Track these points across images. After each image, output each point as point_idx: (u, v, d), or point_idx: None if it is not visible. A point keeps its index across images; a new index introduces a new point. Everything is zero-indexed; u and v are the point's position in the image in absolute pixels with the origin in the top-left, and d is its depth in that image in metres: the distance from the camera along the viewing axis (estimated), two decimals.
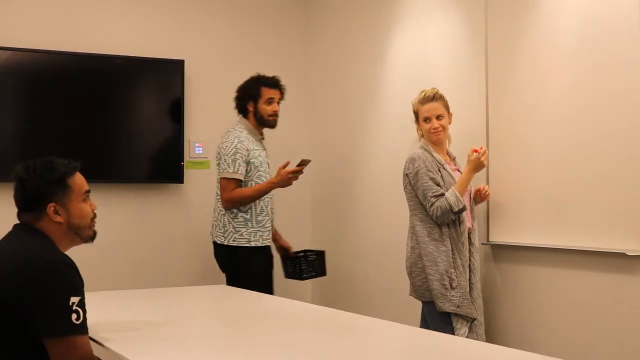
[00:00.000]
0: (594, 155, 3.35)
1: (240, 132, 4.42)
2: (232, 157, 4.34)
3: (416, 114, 3.76)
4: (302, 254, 4.70)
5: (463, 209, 3.57)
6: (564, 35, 3.49)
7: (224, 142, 4.41)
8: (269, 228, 4.47)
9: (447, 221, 3.58)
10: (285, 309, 3.41)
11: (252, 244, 4.38)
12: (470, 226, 3.70)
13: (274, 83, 4.49)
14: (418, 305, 3.78)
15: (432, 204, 3.57)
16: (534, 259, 3.67)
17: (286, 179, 4.30)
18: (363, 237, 4.90)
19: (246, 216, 4.39)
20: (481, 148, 3.66)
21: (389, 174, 4.57)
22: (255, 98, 4.46)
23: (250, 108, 4.47)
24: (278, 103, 4.51)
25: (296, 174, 4.29)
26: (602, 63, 3.32)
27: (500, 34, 3.84)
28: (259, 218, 4.40)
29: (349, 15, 5.07)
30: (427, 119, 3.71)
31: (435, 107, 3.70)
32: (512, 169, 3.72)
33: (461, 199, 3.56)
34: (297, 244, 4.90)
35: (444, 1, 4.23)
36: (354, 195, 4.99)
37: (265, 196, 4.42)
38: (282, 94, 4.54)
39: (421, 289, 3.67)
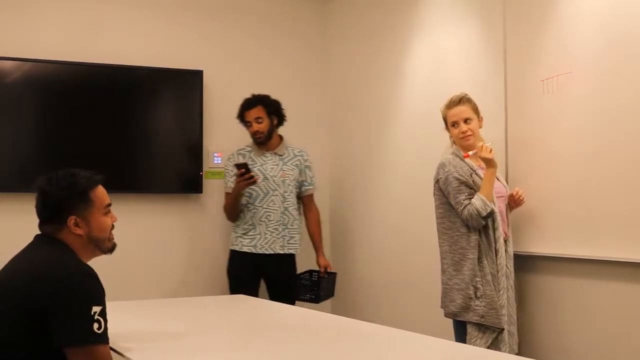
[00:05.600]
0: (617, 162, 3.30)
1: (240, 150, 4.86)
2: (226, 173, 4.87)
3: (445, 119, 3.65)
4: (305, 274, 4.89)
5: (491, 213, 3.45)
6: (583, 42, 3.47)
7: None
8: (255, 237, 4.74)
9: (479, 226, 3.47)
10: (305, 319, 3.40)
11: (231, 247, 4.83)
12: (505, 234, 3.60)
13: (247, 105, 4.79)
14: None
15: (464, 207, 3.45)
16: (554, 269, 3.64)
17: (235, 183, 4.64)
18: (381, 246, 4.89)
19: (238, 223, 4.83)
20: (479, 146, 3.51)
21: (409, 183, 4.56)
22: (243, 121, 4.83)
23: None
24: (260, 121, 4.74)
25: (239, 178, 4.57)
26: (622, 69, 3.28)
27: (519, 42, 3.82)
28: (244, 226, 4.79)
29: (367, 25, 5.08)
30: (454, 124, 3.59)
31: (462, 111, 3.59)
32: (532, 178, 3.69)
33: (488, 202, 3.44)
34: (312, 254, 4.97)
35: (462, 11, 4.22)
36: (372, 205, 4.97)
37: (255, 208, 4.74)
38: (265, 109, 4.76)
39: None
